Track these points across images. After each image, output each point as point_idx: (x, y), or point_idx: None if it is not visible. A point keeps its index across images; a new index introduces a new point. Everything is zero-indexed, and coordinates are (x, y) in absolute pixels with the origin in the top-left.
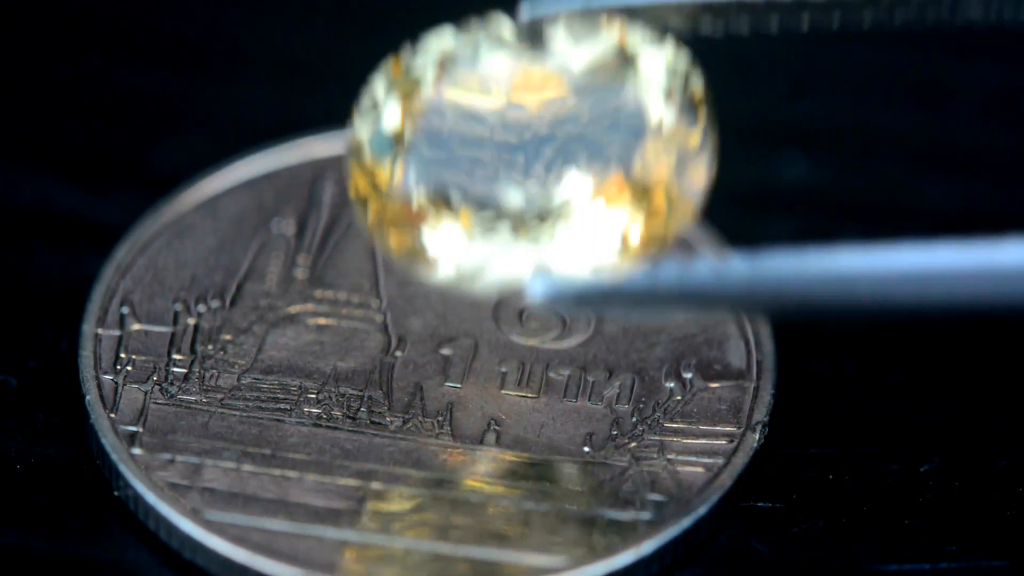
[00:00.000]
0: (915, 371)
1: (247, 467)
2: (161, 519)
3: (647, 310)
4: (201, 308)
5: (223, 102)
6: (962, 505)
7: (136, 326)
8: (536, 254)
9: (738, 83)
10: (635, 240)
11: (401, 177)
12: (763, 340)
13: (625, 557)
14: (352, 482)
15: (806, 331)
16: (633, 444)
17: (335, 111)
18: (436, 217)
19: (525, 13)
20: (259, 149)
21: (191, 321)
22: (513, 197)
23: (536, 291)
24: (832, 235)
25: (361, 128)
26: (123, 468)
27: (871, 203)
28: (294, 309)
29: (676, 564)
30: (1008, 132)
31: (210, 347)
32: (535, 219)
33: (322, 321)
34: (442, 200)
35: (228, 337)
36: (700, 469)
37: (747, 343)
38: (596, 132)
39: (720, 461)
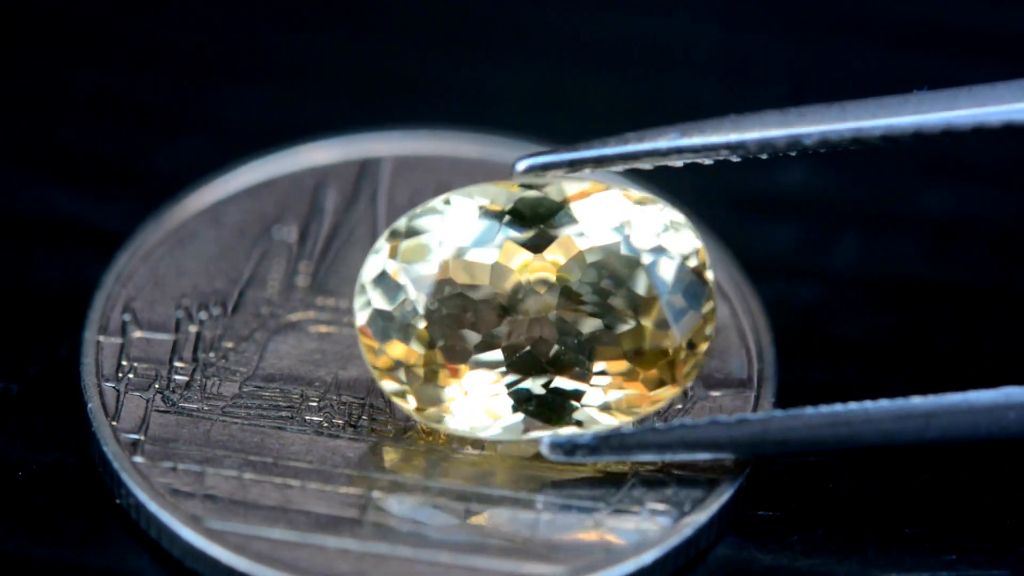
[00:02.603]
0: (914, 380)
1: (248, 475)
2: (162, 527)
3: (656, 457)
4: (203, 315)
5: (225, 109)
6: (962, 514)
7: (138, 333)
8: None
9: (738, 86)
10: (646, 394)
11: (424, 342)
12: (764, 350)
13: (626, 566)
14: (353, 490)
15: (807, 341)
16: None
17: (337, 118)
18: (452, 377)
19: (520, 167)
20: (261, 156)
21: (193, 329)
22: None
23: (547, 447)
24: (830, 241)
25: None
26: (125, 476)
27: (869, 209)
28: (296, 317)
29: (677, 572)
30: (1007, 138)
31: (212, 355)
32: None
33: (324, 329)
34: (456, 364)
35: (230, 345)
36: (701, 478)
37: (748, 352)
38: (607, 310)
39: (720, 470)
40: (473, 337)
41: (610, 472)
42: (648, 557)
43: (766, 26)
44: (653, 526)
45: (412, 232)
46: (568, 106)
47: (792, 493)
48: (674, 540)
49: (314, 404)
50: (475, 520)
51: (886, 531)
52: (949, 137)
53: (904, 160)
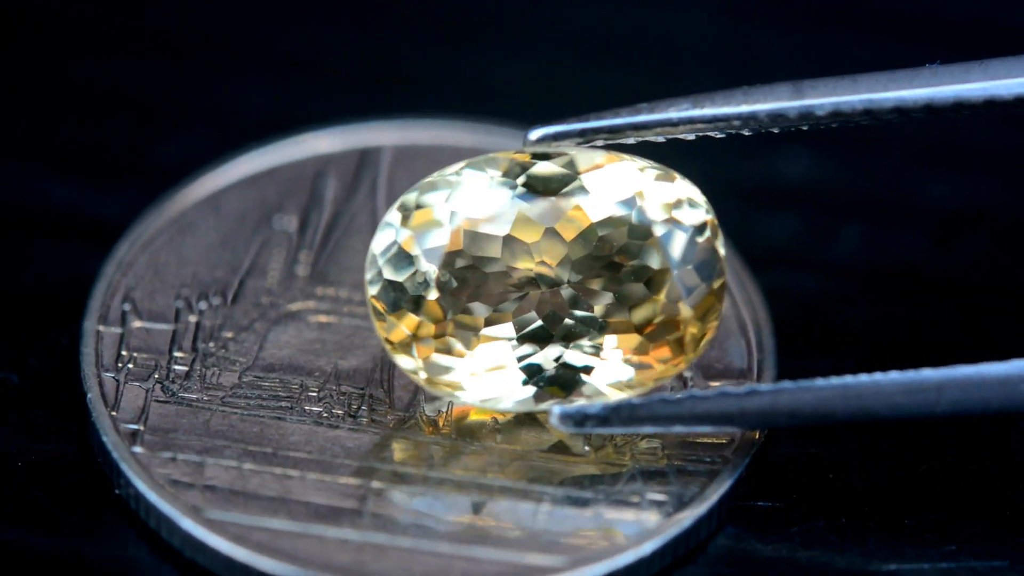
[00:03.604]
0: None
1: (248, 465)
2: (162, 517)
3: (665, 430)
4: (202, 305)
5: (225, 98)
6: (962, 505)
7: (137, 323)
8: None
9: (738, 78)
10: (656, 368)
11: (437, 313)
12: (764, 339)
13: (625, 557)
14: (353, 480)
15: (807, 331)
16: (634, 443)
17: (337, 107)
18: (463, 349)
19: (533, 136)
20: (261, 145)
21: (192, 318)
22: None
23: (557, 416)
24: (833, 231)
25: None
26: (124, 466)
27: (872, 199)
28: (295, 307)
29: (676, 563)
30: (1010, 129)
31: (211, 345)
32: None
33: (323, 319)
34: (468, 334)
35: (229, 335)
36: (700, 468)
37: (748, 342)
38: (617, 281)
39: (720, 460)
40: (484, 309)
41: (610, 463)
42: (648, 548)
43: (768, 18)
44: (653, 517)
45: (423, 203)
46: (568, 96)
47: (792, 484)
48: (674, 531)
49: (313, 394)
50: (475, 511)
51: (887, 522)
52: (961, 110)
53: (906, 150)
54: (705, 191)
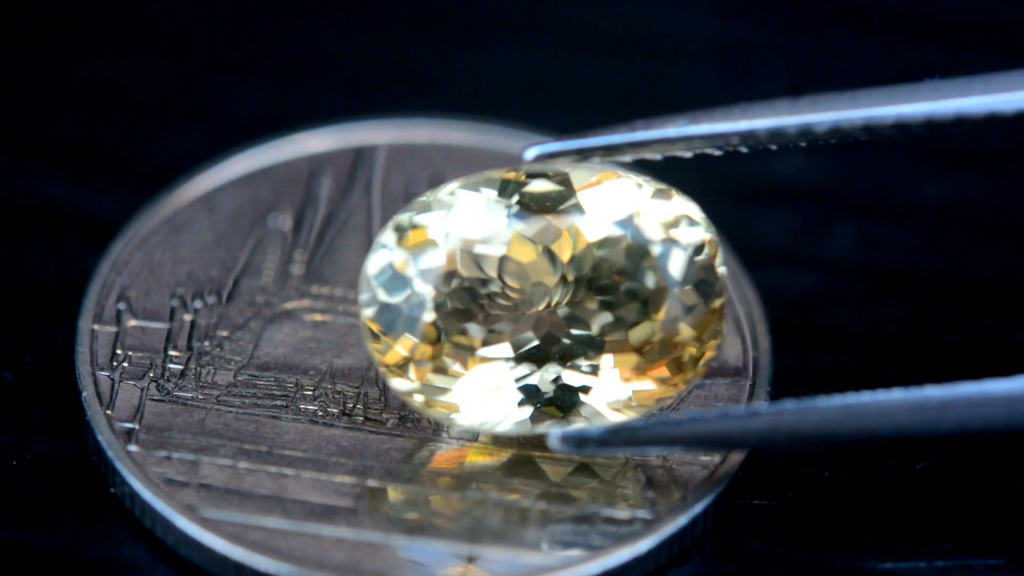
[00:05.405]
0: (910, 368)
1: (243, 464)
2: (157, 516)
3: (666, 451)
4: (198, 304)
5: (220, 97)
6: (958, 503)
7: (132, 322)
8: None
9: (735, 76)
10: (655, 388)
11: (432, 336)
12: (759, 337)
13: (621, 555)
14: (348, 479)
15: (803, 330)
16: None
17: (332, 106)
18: (460, 370)
19: (530, 155)
20: (256, 144)
21: (187, 317)
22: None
23: (557, 439)
24: (828, 229)
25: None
26: (119, 465)
27: (867, 197)
28: (290, 305)
29: (672, 562)
30: (1004, 127)
31: (206, 343)
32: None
33: (318, 317)
34: (465, 357)
35: (224, 333)
36: (696, 466)
37: (743, 341)
38: (617, 299)
39: (716, 458)
40: (480, 330)
41: (605, 461)
42: (643, 546)
43: (764, 16)
44: (648, 514)
45: (418, 224)
46: (563, 95)
47: (788, 482)
48: (669, 529)
49: (309, 393)
50: (468, 509)
51: (882, 520)
52: (962, 125)
53: (901, 149)
54: (700, 190)
